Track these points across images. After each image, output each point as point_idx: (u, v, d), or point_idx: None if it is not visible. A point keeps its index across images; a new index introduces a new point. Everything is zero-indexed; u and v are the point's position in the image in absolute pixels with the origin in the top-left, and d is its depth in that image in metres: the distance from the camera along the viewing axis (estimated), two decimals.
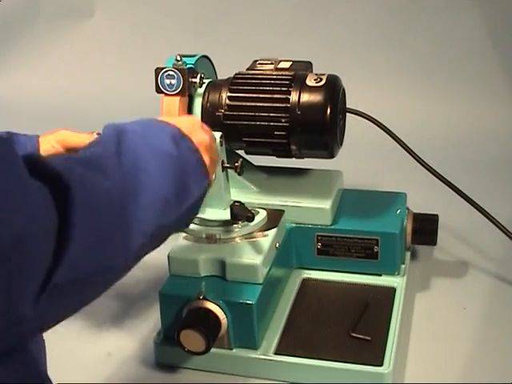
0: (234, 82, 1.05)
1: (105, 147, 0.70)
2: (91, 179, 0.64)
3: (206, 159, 0.80)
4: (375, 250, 1.08)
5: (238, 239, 0.99)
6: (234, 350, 0.97)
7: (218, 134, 1.00)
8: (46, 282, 0.57)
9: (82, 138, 0.91)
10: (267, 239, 1.00)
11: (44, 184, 0.59)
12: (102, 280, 0.66)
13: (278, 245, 1.02)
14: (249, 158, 1.10)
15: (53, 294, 0.57)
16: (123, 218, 0.66)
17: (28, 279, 0.56)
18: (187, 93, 1.02)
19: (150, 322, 1.07)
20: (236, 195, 1.06)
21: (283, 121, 1.01)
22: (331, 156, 1.05)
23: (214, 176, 0.85)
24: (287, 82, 1.03)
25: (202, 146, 0.80)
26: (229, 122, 1.04)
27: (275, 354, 0.96)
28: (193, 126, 0.82)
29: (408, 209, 1.14)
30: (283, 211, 1.06)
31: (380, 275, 1.10)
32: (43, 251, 0.57)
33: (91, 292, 0.65)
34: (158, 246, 0.73)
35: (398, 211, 1.11)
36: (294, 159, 1.07)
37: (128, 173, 0.69)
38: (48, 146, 0.89)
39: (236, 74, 1.07)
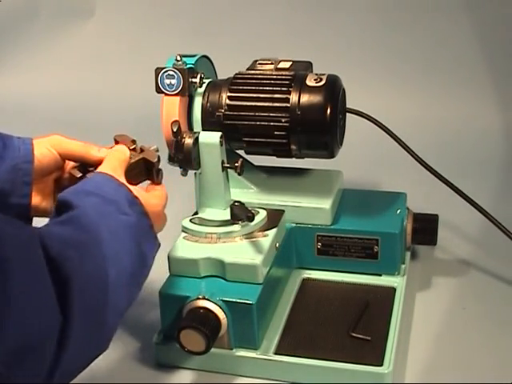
0: (234, 82, 1.05)
1: (79, 228, 0.72)
2: (83, 267, 0.68)
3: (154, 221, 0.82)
4: (375, 250, 1.08)
5: (237, 239, 0.99)
6: (233, 350, 0.97)
7: (217, 134, 1.00)
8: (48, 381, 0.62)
9: (73, 146, 0.90)
10: (267, 239, 1.00)
11: (50, 275, 0.63)
12: (90, 362, 0.72)
13: (277, 245, 1.02)
14: (249, 157, 1.10)
15: None
16: (105, 303, 0.70)
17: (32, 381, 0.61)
18: (187, 93, 1.02)
19: (150, 322, 1.07)
20: (236, 195, 1.06)
21: (283, 121, 1.01)
22: (331, 156, 1.05)
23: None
24: (287, 82, 1.03)
25: (149, 208, 0.82)
26: (229, 122, 1.04)
27: (275, 353, 0.96)
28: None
29: (408, 209, 1.14)
30: (283, 211, 1.06)
31: (380, 275, 1.10)
32: (47, 354, 0.62)
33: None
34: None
35: (398, 211, 1.11)
36: (294, 159, 1.07)
37: (99, 255, 0.71)
38: (43, 148, 0.89)
39: (236, 74, 1.07)
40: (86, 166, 0.90)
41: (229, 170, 1.03)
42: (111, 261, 0.72)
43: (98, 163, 0.88)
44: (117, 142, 0.92)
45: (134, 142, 0.92)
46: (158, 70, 1.01)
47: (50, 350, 0.62)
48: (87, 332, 0.67)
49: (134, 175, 0.89)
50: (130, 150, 0.91)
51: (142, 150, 0.92)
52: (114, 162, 0.86)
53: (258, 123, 1.03)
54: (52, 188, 0.92)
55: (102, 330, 0.70)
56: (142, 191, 0.85)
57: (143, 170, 0.91)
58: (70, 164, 0.92)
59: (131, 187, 0.82)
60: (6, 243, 0.60)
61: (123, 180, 0.83)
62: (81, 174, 0.89)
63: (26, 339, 0.59)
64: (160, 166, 0.93)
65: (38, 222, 0.80)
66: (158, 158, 0.92)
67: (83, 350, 0.67)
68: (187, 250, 0.98)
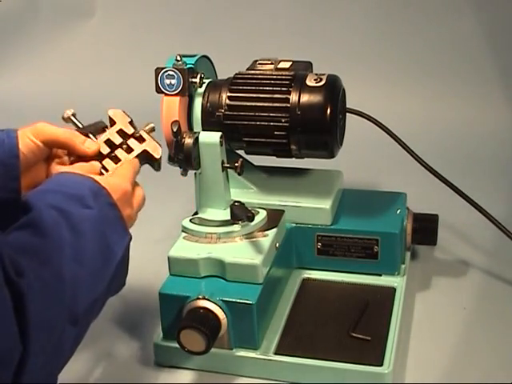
0: (234, 82, 1.05)
1: (35, 231, 0.70)
2: (38, 277, 0.66)
3: (125, 211, 0.81)
4: (375, 250, 1.08)
5: (237, 239, 0.99)
6: (233, 350, 0.97)
7: (217, 134, 1.00)
8: None
9: (63, 133, 0.88)
10: (267, 239, 1.00)
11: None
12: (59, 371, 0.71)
13: (278, 245, 1.02)
14: (249, 157, 1.10)
15: None
16: (63, 310, 0.69)
17: None
18: (187, 93, 1.02)
19: (150, 322, 1.07)
20: (236, 195, 1.06)
21: (283, 121, 1.01)
22: (331, 156, 1.05)
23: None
24: (287, 82, 1.03)
25: (118, 195, 0.80)
26: (229, 122, 1.04)
27: (275, 354, 0.96)
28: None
29: (408, 209, 1.14)
30: (283, 211, 1.06)
31: (380, 275, 1.10)
32: (9, 369, 0.62)
33: None
34: (96, 317, 0.76)
35: (398, 211, 1.11)
36: (294, 159, 1.07)
37: (58, 259, 0.70)
38: (27, 139, 0.86)
39: (236, 74, 1.07)
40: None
41: (229, 169, 1.03)
42: (72, 261, 0.70)
43: (82, 155, 0.87)
44: (112, 122, 0.91)
45: (131, 123, 0.91)
46: (158, 70, 1.01)
47: (11, 370, 0.62)
48: (47, 348, 0.66)
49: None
50: (129, 135, 0.90)
51: (142, 138, 0.90)
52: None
53: (258, 123, 1.03)
54: (44, 177, 0.89)
55: (63, 336, 0.69)
56: (108, 177, 0.83)
57: (142, 159, 0.90)
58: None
59: (98, 177, 0.80)
60: None
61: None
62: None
63: None
64: (160, 166, 0.92)
65: None
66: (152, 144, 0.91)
67: (45, 360, 0.66)
68: (187, 250, 0.98)
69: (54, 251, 0.70)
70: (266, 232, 1.01)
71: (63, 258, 0.70)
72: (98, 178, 0.81)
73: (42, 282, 0.67)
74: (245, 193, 1.09)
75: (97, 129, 0.92)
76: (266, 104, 1.02)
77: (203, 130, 1.05)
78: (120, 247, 0.78)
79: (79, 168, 0.86)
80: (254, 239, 0.99)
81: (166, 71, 1.01)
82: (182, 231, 1.02)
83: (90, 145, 0.89)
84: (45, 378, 0.68)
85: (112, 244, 0.77)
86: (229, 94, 1.04)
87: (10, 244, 0.68)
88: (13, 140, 0.85)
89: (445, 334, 1.03)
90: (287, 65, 1.08)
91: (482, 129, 1.63)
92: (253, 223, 0.99)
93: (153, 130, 0.93)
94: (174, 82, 1.00)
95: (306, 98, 1.01)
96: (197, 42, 1.70)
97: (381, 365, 0.93)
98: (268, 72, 1.07)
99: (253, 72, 1.07)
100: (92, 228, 0.74)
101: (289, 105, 1.01)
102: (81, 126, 0.91)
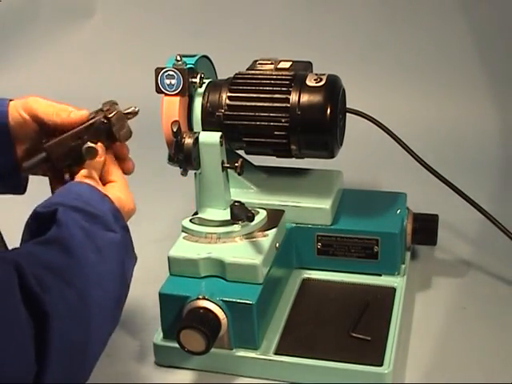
0: (234, 82, 1.05)
1: (62, 252, 0.70)
2: (63, 297, 0.66)
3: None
4: (375, 250, 1.08)
5: (237, 239, 0.99)
6: (233, 350, 0.97)
7: (217, 134, 1.00)
8: None
9: (53, 108, 0.86)
10: (267, 239, 1.00)
11: (27, 310, 0.62)
12: None
13: (278, 245, 1.02)
14: (249, 157, 1.10)
15: None
16: (87, 334, 0.68)
17: None
18: (187, 93, 1.02)
19: (150, 322, 1.07)
20: (236, 195, 1.06)
21: (283, 121, 1.01)
22: (331, 156, 1.05)
23: None
24: (287, 82, 1.03)
25: (127, 216, 0.81)
26: (229, 122, 1.04)
27: (275, 354, 0.96)
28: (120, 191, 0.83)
29: (408, 209, 1.14)
30: (283, 211, 1.06)
31: (380, 275, 1.10)
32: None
33: None
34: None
35: (398, 211, 1.11)
36: (294, 159, 1.07)
37: (83, 281, 0.69)
38: (16, 113, 0.86)
39: (236, 74, 1.07)
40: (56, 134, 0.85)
41: (229, 170, 1.03)
42: (96, 286, 0.70)
43: (67, 127, 0.84)
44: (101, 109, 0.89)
45: (113, 104, 0.89)
46: (158, 70, 1.01)
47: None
48: (66, 368, 0.65)
49: (92, 136, 0.85)
50: (104, 111, 0.87)
51: (112, 111, 0.87)
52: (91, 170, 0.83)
53: (258, 123, 1.03)
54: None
55: (83, 363, 0.68)
56: (116, 193, 0.82)
57: (103, 130, 0.87)
58: None
59: (113, 194, 0.80)
60: None
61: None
62: (46, 140, 0.84)
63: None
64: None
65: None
66: (118, 113, 0.87)
67: (64, 381, 0.66)
68: (187, 250, 0.98)
69: (80, 273, 0.69)
70: (266, 232, 1.01)
71: (88, 282, 0.69)
72: (112, 195, 0.80)
73: (67, 302, 0.66)
74: (245, 193, 1.09)
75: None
76: (265, 104, 1.02)
77: (203, 129, 1.05)
78: (131, 273, 0.79)
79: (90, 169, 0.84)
80: (254, 239, 0.99)
81: (166, 71, 1.01)
82: (182, 231, 1.02)
83: (75, 115, 0.86)
84: None
85: (126, 270, 0.77)
86: (229, 94, 1.04)
87: (36, 258, 0.67)
88: (4, 110, 0.85)
89: (445, 334, 1.03)
90: (287, 65, 1.08)
91: (484, 129, 1.63)
92: (253, 223, 0.99)
93: (134, 111, 0.89)
94: (173, 81, 1.01)
95: (305, 97, 1.01)
96: (197, 42, 1.69)
97: (381, 365, 0.93)
98: (268, 72, 1.07)
99: (253, 72, 1.07)
100: (115, 253, 0.74)
101: (289, 105, 1.01)
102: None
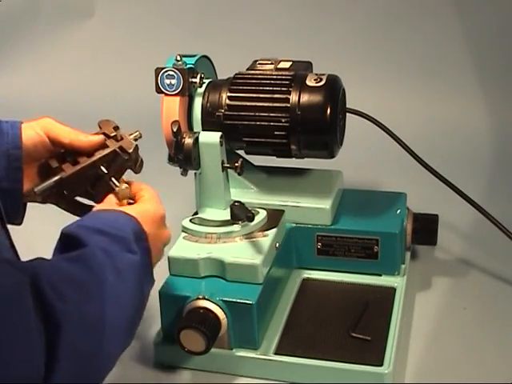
0: (234, 82, 1.05)
1: (85, 268, 0.71)
2: (79, 310, 0.67)
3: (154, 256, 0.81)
4: (375, 250, 1.08)
5: (237, 239, 0.99)
6: (233, 350, 0.97)
7: (217, 134, 1.00)
8: None
9: (68, 130, 0.88)
10: (267, 239, 1.00)
11: (39, 318, 0.62)
12: None
13: (278, 245, 1.02)
14: (249, 157, 1.10)
15: None
16: (98, 349, 0.69)
17: None
18: (187, 93, 1.02)
19: (150, 322, 1.07)
20: (236, 195, 1.06)
21: (283, 121, 1.01)
22: (331, 156, 1.05)
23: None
24: (287, 82, 1.03)
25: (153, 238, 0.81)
26: (229, 122, 1.04)
27: (275, 354, 0.96)
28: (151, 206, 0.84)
29: (408, 209, 1.14)
30: (283, 211, 1.06)
31: (380, 275, 1.10)
32: None
33: None
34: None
35: (398, 211, 1.11)
36: (294, 159, 1.07)
37: (100, 298, 0.70)
38: (32, 132, 0.86)
39: (236, 74, 1.07)
40: (65, 156, 0.87)
41: (229, 169, 1.03)
42: (112, 305, 0.71)
43: (87, 150, 0.86)
44: (100, 128, 0.90)
45: (116, 128, 0.90)
46: (158, 70, 1.01)
47: None
48: (75, 377, 0.66)
49: (111, 166, 0.87)
50: (110, 137, 0.89)
51: (121, 138, 0.89)
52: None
53: (257, 123, 1.03)
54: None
55: (90, 377, 0.69)
56: (144, 206, 0.83)
57: (121, 161, 0.89)
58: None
59: (139, 213, 0.80)
60: None
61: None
62: (57, 165, 0.86)
63: None
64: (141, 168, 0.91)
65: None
66: (136, 146, 0.89)
67: None
68: (187, 250, 0.98)
69: (99, 291, 0.70)
70: (266, 232, 1.01)
71: (105, 300, 0.70)
72: (140, 208, 0.82)
73: (82, 314, 0.67)
74: (245, 193, 1.09)
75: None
76: (265, 104, 1.02)
77: (203, 130, 1.05)
78: (148, 293, 0.80)
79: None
80: (254, 239, 0.99)
81: (166, 71, 1.01)
82: (182, 231, 1.02)
83: (93, 139, 0.88)
84: None
85: (144, 290, 0.78)
86: (229, 94, 1.04)
87: (58, 270, 0.69)
88: (16, 131, 0.85)
89: (445, 334, 1.03)
90: (287, 65, 1.08)
91: (482, 128, 1.63)
92: (253, 223, 0.99)
93: (139, 136, 0.91)
94: (174, 81, 1.00)
95: (305, 97, 1.01)
96: (197, 42, 1.69)
97: (381, 365, 0.93)
98: (268, 72, 1.07)
99: (253, 72, 1.07)
100: (134, 274, 0.75)
101: (289, 105, 1.01)
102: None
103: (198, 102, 1.05)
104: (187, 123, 1.05)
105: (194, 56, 1.05)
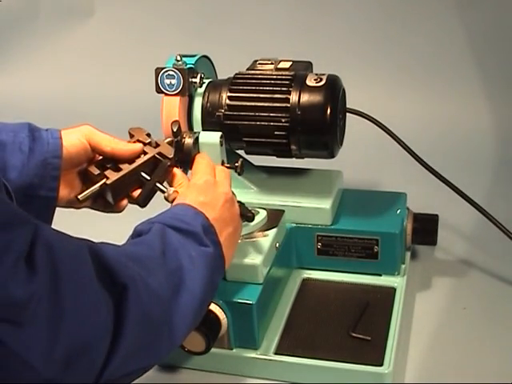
0: (234, 82, 1.05)
1: (149, 248, 0.73)
2: (143, 279, 0.68)
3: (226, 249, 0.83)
4: (375, 250, 1.08)
5: None
6: (234, 350, 0.97)
7: (218, 134, 1.00)
8: (96, 381, 0.62)
9: (108, 137, 0.89)
10: (267, 239, 1.00)
11: (104, 283, 0.63)
12: (143, 372, 0.70)
13: (278, 245, 1.02)
14: (249, 157, 1.10)
15: None
16: (165, 320, 0.70)
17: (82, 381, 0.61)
18: (187, 93, 1.02)
19: None
20: (236, 195, 1.06)
21: (283, 121, 1.01)
22: (331, 156, 1.05)
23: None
24: (287, 82, 1.03)
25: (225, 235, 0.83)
26: (229, 122, 1.04)
27: (275, 353, 0.96)
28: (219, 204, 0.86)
29: (408, 209, 1.14)
30: (283, 211, 1.06)
31: (380, 275, 1.10)
32: (99, 355, 0.62)
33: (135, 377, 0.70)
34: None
35: (398, 211, 1.11)
36: (294, 159, 1.07)
37: (171, 275, 0.72)
38: (75, 139, 0.87)
39: (236, 74, 1.07)
40: (104, 163, 0.89)
41: (229, 170, 1.02)
42: (185, 286, 0.73)
43: (128, 158, 0.88)
44: (131, 136, 0.92)
45: (148, 135, 0.92)
46: (158, 70, 1.01)
47: (101, 356, 0.62)
48: (140, 342, 0.66)
49: (151, 171, 0.89)
50: (145, 144, 0.91)
51: (157, 145, 0.91)
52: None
53: (258, 123, 1.03)
54: (77, 182, 0.90)
55: (156, 344, 0.69)
56: (200, 198, 0.84)
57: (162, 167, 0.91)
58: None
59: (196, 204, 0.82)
60: (56, 252, 0.60)
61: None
62: (98, 172, 0.88)
63: (77, 341, 0.59)
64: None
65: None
66: (174, 152, 0.92)
67: (137, 355, 0.66)
68: None
69: (162, 265, 0.73)
70: (266, 232, 1.01)
71: (176, 278, 0.73)
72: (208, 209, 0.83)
73: (148, 285, 0.68)
74: (245, 193, 1.09)
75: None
76: (265, 104, 1.02)
77: (203, 130, 1.05)
78: (218, 283, 0.81)
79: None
80: (254, 239, 0.99)
81: (166, 71, 1.01)
82: None
83: (132, 147, 0.90)
84: (134, 371, 0.68)
85: (215, 279, 0.80)
86: (229, 94, 1.04)
87: (121, 249, 0.71)
88: (57, 140, 0.86)
89: (445, 334, 1.03)
90: (287, 65, 1.08)
91: (483, 128, 1.63)
92: (253, 223, 0.99)
93: (171, 142, 0.93)
94: (174, 81, 1.00)
95: (306, 97, 1.01)
96: (197, 42, 1.69)
97: (381, 365, 0.93)
98: (268, 72, 1.07)
99: (253, 72, 1.07)
100: (206, 262, 0.77)
101: (289, 105, 1.01)
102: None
103: (198, 102, 1.05)
104: (187, 123, 1.05)
105: (194, 56, 1.05)
